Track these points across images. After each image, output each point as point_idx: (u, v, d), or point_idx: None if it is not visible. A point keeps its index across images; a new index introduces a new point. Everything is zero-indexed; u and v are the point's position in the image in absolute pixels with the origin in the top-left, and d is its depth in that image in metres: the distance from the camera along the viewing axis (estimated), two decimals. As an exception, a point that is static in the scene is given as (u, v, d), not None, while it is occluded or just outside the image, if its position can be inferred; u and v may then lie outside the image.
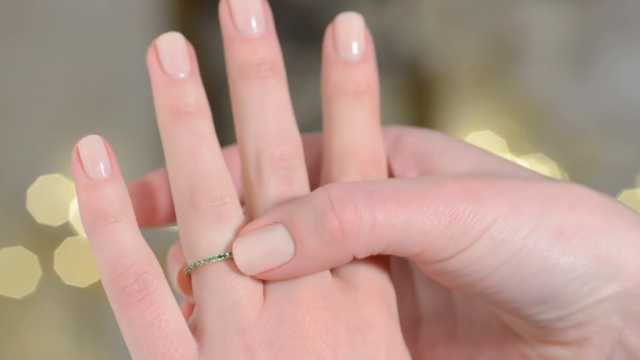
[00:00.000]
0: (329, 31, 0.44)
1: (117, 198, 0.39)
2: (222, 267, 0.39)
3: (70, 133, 1.40)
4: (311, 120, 1.49)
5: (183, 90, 0.41)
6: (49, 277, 1.35)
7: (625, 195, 1.40)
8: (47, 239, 1.35)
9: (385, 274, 0.41)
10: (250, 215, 0.41)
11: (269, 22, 0.43)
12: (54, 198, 1.36)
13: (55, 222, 1.35)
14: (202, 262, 0.39)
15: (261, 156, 0.40)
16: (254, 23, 0.42)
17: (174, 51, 0.42)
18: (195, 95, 0.41)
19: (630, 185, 1.41)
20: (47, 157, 1.38)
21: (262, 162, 0.40)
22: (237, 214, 0.40)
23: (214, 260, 0.39)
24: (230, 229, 0.39)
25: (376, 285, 0.40)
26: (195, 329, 0.39)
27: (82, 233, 1.35)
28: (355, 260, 0.39)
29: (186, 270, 0.40)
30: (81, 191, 0.39)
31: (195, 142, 0.40)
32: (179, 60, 0.42)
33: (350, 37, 0.43)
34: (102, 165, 0.39)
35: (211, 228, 0.39)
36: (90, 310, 1.39)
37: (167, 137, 0.41)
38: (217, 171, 0.40)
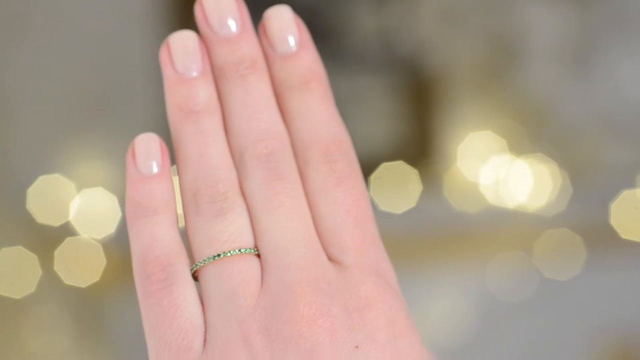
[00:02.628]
0: (261, 30, 0.43)
1: (161, 194, 0.40)
2: (219, 259, 0.39)
3: (71, 133, 1.40)
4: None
5: (193, 89, 0.42)
6: (49, 277, 1.35)
7: (625, 195, 1.40)
8: (47, 239, 1.35)
9: (378, 249, 0.40)
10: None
11: (244, 19, 0.43)
12: (54, 198, 1.36)
13: (55, 222, 1.35)
14: (201, 262, 0.39)
15: (244, 153, 0.41)
16: (229, 23, 0.42)
17: (186, 50, 0.42)
18: (205, 94, 0.42)
19: (630, 185, 1.41)
20: (47, 157, 1.38)
21: (246, 158, 0.41)
22: (239, 205, 0.40)
23: (209, 261, 0.39)
24: (231, 218, 0.40)
25: (369, 262, 0.40)
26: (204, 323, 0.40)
27: (82, 233, 1.35)
28: (344, 241, 0.40)
29: (192, 269, 0.40)
30: (130, 183, 0.41)
31: (202, 140, 0.41)
32: (190, 59, 0.42)
33: (282, 30, 0.43)
34: (153, 162, 0.41)
35: (211, 224, 0.40)
36: (90, 310, 1.39)
37: (176, 135, 0.42)
38: (221, 169, 0.40)
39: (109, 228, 1.34)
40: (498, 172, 1.42)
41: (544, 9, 1.44)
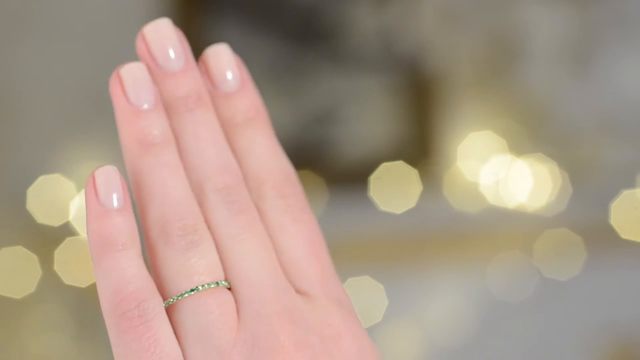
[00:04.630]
0: (202, 68, 0.43)
1: (126, 228, 0.40)
2: (197, 292, 0.39)
3: (71, 133, 1.40)
4: (311, 120, 1.49)
5: (149, 122, 0.41)
6: (49, 277, 1.35)
7: (625, 195, 1.40)
8: (47, 239, 1.35)
9: (336, 279, 0.42)
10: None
11: (187, 53, 0.43)
12: (54, 198, 1.36)
13: (55, 222, 1.35)
14: (178, 297, 0.39)
15: (203, 187, 0.41)
16: (172, 57, 0.42)
17: (137, 81, 0.42)
18: (161, 126, 0.41)
19: (630, 185, 1.41)
20: (47, 157, 1.38)
21: (207, 192, 0.41)
22: (207, 238, 0.40)
23: (186, 295, 0.39)
24: (204, 250, 0.40)
25: (332, 292, 0.41)
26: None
27: (82, 233, 1.35)
28: (307, 273, 0.41)
29: (166, 304, 0.40)
30: (92, 218, 0.40)
31: (165, 173, 0.41)
32: (143, 91, 0.42)
33: (222, 69, 0.43)
34: (115, 195, 0.40)
35: (184, 256, 0.40)
36: (90, 310, 1.39)
37: (136, 169, 0.41)
38: (186, 202, 0.40)
39: (109, 228, 1.33)
40: (498, 172, 1.42)
41: (544, 9, 1.44)
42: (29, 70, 1.40)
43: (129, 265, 0.39)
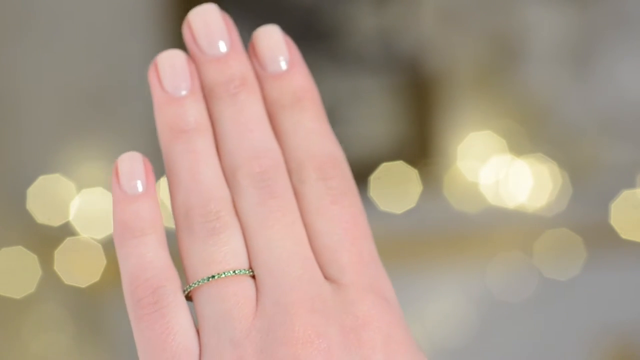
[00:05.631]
0: (250, 50, 0.42)
1: (147, 214, 0.40)
2: (213, 280, 0.39)
3: (71, 133, 1.40)
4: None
5: (182, 109, 0.41)
6: (49, 277, 1.35)
7: (625, 195, 1.40)
8: (47, 239, 1.35)
9: (376, 267, 0.40)
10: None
11: (233, 38, 0.42)
12: (54, 198, 1.36)
13: (55, 222, 1.35)
14: (196, 284, 0.39)
15: (237, 172, 0.40)
16: (218, 42, 0.42)
17: (174, 69, 0.42)
18: (195, 113, 0.41)
19: (630, 185, 1.41)
20: (47, 157, 1.38)
21: (239, 177, 0.40)
22: (232, 225, 0.40)
23: (203, 283, 0.39)
24: (225, 238, 0.39)
25: (367, 280, 0.39)
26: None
27: (82, 233, 1.35)
28: (341, 259, 0.39)
29: (185, 291, 0.40)
30: (115, 204, 0.40)
31: (193, 160, 0.40)
32: (178, 78, 0.41)
33: (272, 49, 0.42)
34: (137, 182, 0.40)
35: (204, 244, 0.39)
36: (90, 310, 1.39)
37: (167, 155, 0.41)
38: (213, 188, 0.40)
39: (109, 228, 1.33)
40: (498, 172, 1.42)
41: (544, 9, 1.44)
42: (29, 70, 1.40)
43: (147, 252, 0.39)
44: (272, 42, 0.42)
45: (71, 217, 1.35)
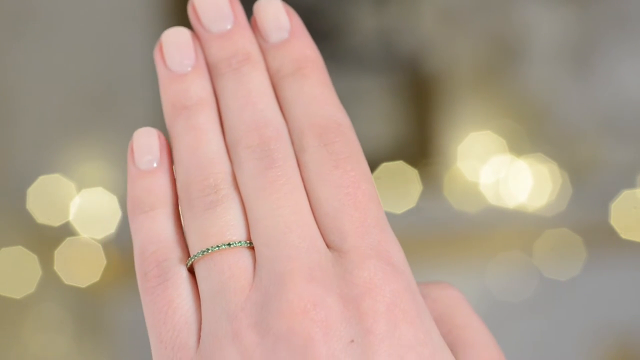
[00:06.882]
0: (253, 23, 0.42)
1: (158, 189, 0.40)
2: (208, 254, 0.38)
3: (71, 133, 1.40)
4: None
5: (185, 85, 0.41)
6: (49, 277, 1.35)
7: (625, 195, 1.40)
8: (47, 239, 1.35)
9: (382, 231, 0.38)
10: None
11: (237, 14, 0.42)
12: (54, 198, 1.36)
13: (55, 222, 1.35)
14: (193, 258, 0.38)
15: (237, 145, 0.40)
16: (221, 19, 0.42)
17: (177, 46, 0.42)
18: (197, 88, 0.41)
19: (630, 185, 1.41)
20: (47, 157, 1.38)
21: (239, 149, 0.39)
22: (230, 197, 0.39)
23: (199, 257, 0.38)
24: (221, 211, 0.39)
25: (370, 245, 0.37)
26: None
27: (82, 233, 1.35)
28: (343, 225, 0.37)
29: (187, 265, 0.39)
30: (129, 179, 0.40)
31: (193, 135, 0.40)
32: (181, 55, 0.42)
33: (272, 19, 0.42)
34: (149, 157, 0.40)
35: (201, 218, 0.39)
36: (90, 310, 1.39)
37: (170, 132, 0.41)
38: (213, 162, 0.40)
39: (109, 228, 1.33)
40: (498, 172, 1.42)
41: (544, 9, 1.44)
42: (28, 70, 1.40)
43: (156, 226, 0.39)
44: (272, 12, 0.42)
45: (71, 217, 1.35)
